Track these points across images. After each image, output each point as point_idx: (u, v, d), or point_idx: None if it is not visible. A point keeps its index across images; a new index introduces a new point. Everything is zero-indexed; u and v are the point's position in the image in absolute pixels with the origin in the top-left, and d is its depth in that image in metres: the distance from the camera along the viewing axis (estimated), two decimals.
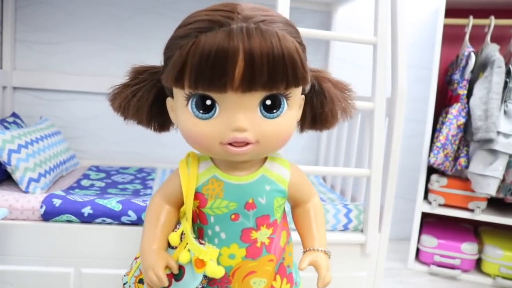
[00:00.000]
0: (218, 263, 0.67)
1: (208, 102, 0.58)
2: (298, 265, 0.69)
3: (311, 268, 0.69)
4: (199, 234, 0.70)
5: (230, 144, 0.60)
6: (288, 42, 0.55)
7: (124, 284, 0.80)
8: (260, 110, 0.59)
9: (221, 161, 0.68)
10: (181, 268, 0.68)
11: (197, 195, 0.68)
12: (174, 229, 0.72)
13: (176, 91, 0.61)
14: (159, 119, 0.72)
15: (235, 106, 0.58)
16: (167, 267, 0.67)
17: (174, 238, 0.69)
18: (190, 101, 0.59)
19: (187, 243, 0.68)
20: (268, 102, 0.59)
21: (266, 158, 0.70)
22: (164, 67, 0.61)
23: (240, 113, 0.58)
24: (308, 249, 0.70)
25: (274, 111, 0.60)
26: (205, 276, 0.67)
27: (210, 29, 0.54)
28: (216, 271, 0.66)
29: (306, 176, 0.75)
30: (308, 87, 0.67)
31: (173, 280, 0.68)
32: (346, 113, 0.72)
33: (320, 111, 0.70)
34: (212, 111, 0.59)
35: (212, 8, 0.57)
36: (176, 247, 0.70)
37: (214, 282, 0.69)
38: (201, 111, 0.59)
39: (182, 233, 0.70)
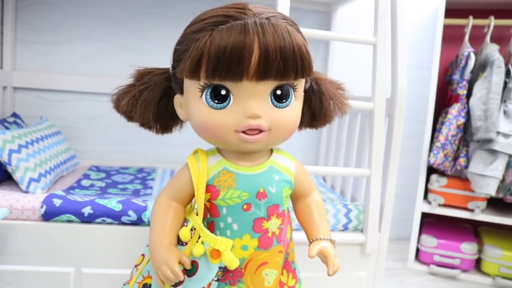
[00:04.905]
0: None
1: (223, 92, 0.61)
2: (308, 253, 0.70)
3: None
4: (209, 228, 0.70)
5: (243, 132, 0.63)
6: (297, 36, 0.61)
7: None
8: (271, 100, 0.63)
9: (229, 154, 0.70)
10: (193, 263, 0.68)
11: (208, 187, 0.69)
12: (183, 226, 0.72)
13: (189, 85, 0.64)
14: (163, 120, 0.74)
15: (249, 94, 0.61)
16: (179, 263, 0.67)
17: (185, 233, 0.69)
18: (205, 92, 0.62)
19: (198, 238, 0.68)
20: (278, 92, 0.63)
21: (271, 152, 0.74)
22: (175, 62, 0.65)
23: (253, 102, 0.62)
24: (314, 239, 0.72)
25: (284, 100, 0.64)
26: (220, 268, 0.67)
27: (225, 22, 0.59)
28: (232, 260, 0.66)
29: (307, 171, 0.79)
30: (307, 84, 0.72)
31: (185, 276, 0.68)
32: (341, 110, 0.77)
33: (319, 108, 0.74)
34: (227, 101, 0.62)
35: (223, 6, 0.61)
36: (186, 243, 0.70)
37: (226, 277, 0.69)
38: (216, 101, 0.62)
39: (192, 229, 0.70)
